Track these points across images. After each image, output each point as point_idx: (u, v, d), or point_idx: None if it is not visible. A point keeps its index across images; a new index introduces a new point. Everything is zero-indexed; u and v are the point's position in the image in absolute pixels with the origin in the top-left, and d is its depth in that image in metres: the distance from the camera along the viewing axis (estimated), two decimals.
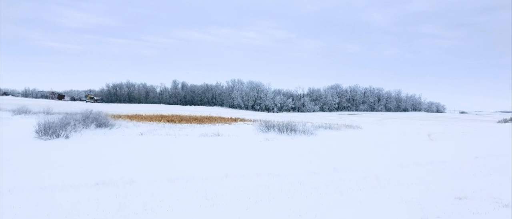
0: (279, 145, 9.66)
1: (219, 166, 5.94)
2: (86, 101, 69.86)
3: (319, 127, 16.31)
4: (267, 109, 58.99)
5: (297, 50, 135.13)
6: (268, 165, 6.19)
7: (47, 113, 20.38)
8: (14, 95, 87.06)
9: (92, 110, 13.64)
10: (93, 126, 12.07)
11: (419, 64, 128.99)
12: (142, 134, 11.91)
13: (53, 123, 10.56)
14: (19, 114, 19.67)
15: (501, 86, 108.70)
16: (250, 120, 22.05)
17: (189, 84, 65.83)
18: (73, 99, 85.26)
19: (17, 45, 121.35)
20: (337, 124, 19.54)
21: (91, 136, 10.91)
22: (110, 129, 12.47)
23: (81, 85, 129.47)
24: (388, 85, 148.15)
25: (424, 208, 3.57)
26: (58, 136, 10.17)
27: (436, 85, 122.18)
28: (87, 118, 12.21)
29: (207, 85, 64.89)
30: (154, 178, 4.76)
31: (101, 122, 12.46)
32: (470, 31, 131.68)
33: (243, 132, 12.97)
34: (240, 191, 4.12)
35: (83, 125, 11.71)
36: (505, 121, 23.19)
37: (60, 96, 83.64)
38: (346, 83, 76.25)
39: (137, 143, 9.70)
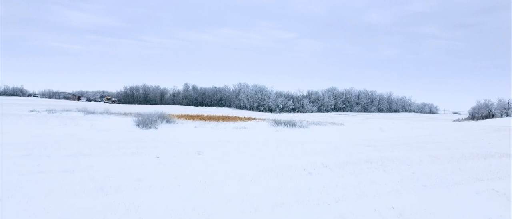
0: (284, 133, 16.26)
1: (257, 138, 12.55)
2: (104, 103, 76.40)
3: (312, 123, 22.90)
4: (270, 110, 65.72)
5: (297, 51, 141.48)
6: (279, 139, 12.79)
7: (108, 113, 26.99)
8: (35, 96, 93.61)
9: (159, 111, 20.34)
10: (164, 121, 18.69)
11: (420, 65, 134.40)
12: (196, 127, 18.52)
13: (144, 120, 17.20)
14: (88, 113, 26.12)
15: (501, 86, 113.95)
16: (260, 119, 28.67)
17: (199, 87, 72.71)
18: (89, 100, 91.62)
19: (16, 45, 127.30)
20: (326, 122, 26.15)
21: (167, 128, 17.48)
22: (174, 124, 19.05)
23: (84, 86, 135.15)
24: (387, 86, 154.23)
25: (339, 147, 10.17)
26: (149, 127, 16.76)
27: (436, 86, 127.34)
28: (160, 116, 18.83)
29: (215, 88, 71.79)
30: (233, 141, 11.37)
31: (168, 119, 19.08)
32: (470, 31, 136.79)
33: (260, 126, 19.59)
34: (270, 145, 10.72)
35: (159, 121, 18.32)
36: (458, 120, 29.77)
37: (78, 98, 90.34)
38: (344, 85, 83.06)
39: (199, 131, 16.21)
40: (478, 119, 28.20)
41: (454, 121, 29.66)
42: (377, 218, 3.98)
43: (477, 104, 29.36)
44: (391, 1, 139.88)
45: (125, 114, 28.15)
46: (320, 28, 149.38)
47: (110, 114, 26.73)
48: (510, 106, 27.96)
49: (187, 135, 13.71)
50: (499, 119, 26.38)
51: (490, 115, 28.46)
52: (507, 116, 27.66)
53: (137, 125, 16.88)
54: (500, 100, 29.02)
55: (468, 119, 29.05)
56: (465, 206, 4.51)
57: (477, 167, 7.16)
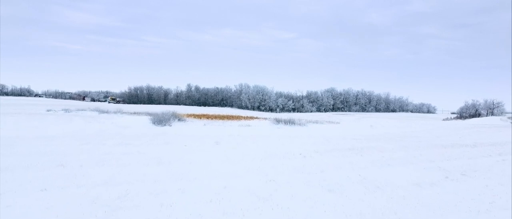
0: (285, 130, 18.26)
1: (261, 134, 14.56)
2: (109, 102, 78.37)
3: (310, 122, 24.92)
4: (271, 109, 67.76)
5: (297, 51, 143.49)
6: (280, 134, 14.79)
7: (121, 113, 29.01)
8: (40, 96, 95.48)
9: (170, 111, 22.36)
10: (176, 120, 20.70)
11: (419, 65, 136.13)
12: (205, 125, 20.53)
13: (159, 118, 19.22)
14: (102, 113, 28.15)
15: (501, 86, 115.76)
16: (262, 118, 30.69)
17: (201, 88, 74.77)
18: (93, 100, 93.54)
19: (17, 45, 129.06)
20: (324, 120, 28.17)
21: (180, 125, 19.48)
22: (184, 122, 21.06)
23: (86, 86, 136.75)
24: (387, 86, 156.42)
25: (330, 140, 12.18)
26: (164, 125, 18.76)
27: (436, 86, 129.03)
28: (173, 115, 20.85)
29: (217, 88, 73.87)
30: (241, 135, 13.38)
31: (179, 118, 21.09)
32: (470, 31, 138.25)
33: (263, 124, 21.59)
34: (272, 138, 12.73)
35: (172, 119, 20.33)
36: (447, 119, 31.77)
37: (83, 98, 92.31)
38: (343, 85, 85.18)
39: (209, 128, 18.21)
40: (465, 118, 30.22)
41: (443, 120, 31.65)
42: (347, 180, 5.99)
43: (465, 104, 31.39)
44: (391, 1, 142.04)
45: (135, 113, 30.18)
46: (320, 28, 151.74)
47: (123, 113, 28.77)
48: (494, 106, 30.01)
49: (200, 131, 15.71)
50: (484, 118, 28.38)
51: (476, 114, 30.47)
52: (492, 115, 29.66)
53: (152, 123, 18.88)
54: (486, 101, 31.12)
55: (457, 118, 31.06)
56: (410, 175, 6.53)
57: (434, 153, 9.18)
